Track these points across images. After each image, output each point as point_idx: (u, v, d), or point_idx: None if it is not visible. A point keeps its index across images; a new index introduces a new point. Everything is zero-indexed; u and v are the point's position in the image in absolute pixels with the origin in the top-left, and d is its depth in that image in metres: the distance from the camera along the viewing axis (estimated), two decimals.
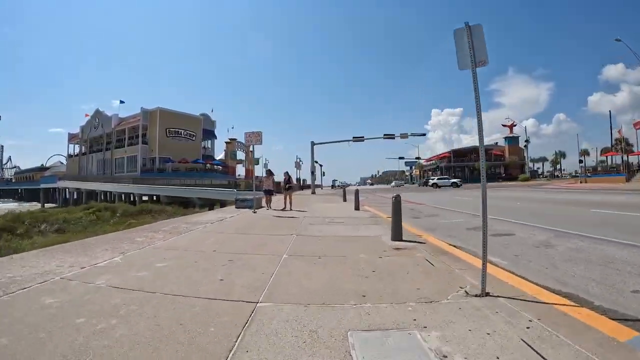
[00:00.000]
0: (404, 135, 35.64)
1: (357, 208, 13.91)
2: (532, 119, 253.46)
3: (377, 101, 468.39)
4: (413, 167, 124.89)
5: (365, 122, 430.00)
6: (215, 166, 59.17)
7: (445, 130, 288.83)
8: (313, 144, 32.87)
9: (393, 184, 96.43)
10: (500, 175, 76.31)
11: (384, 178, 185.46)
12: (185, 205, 36.10)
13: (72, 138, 76.02)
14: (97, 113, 65.26)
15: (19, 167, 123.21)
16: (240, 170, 74.61)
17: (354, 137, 34.38)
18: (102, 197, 50.62)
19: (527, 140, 56.26)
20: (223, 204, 33.59)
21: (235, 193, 29.69)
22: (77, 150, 74.86)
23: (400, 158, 78.66)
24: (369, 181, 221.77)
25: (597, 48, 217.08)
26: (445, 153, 79.61)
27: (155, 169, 51.67)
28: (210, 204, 36.22)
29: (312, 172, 32.15)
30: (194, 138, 56.55)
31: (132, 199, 42.46)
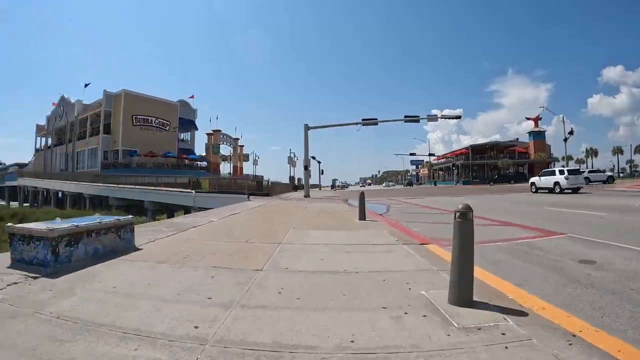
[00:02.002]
0: (432, 118, 26.34)
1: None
2: (531, 121, 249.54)
3: (381, 97, 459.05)
4: (419, 166, 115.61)
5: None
6: (193, 161, 49.79)
7: (444, 131, 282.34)
8: (307, 128, 23.50)
9: (383, 184, 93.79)
10: (524, 176, 66.58)
11: (385, 179, 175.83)
12: (139, 211, 26.98)
13: (39, 130, 67.05)
14: (62, 100, 55.98)
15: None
16: (226, 168, 65.47)
17: (364, 119, 24.98)
18: (60, 197, 41.84)
19: (570, 132, 46.45)
20: (188, 209, 24.51)
21: (193, 197, 20.48)
22: (47, 143, 65.80)
23: (412, 154, 68.64)
24: (368, 181, 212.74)
25: (597, 50, 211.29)
26: (462, 149, 69.93)
27: (117, 163, 42.36)
28: (171, 210, 27.08)
29: (306, 167, 22.73)
30: (167, 128, 47.11)
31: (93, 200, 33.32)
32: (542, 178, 23.36)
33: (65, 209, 36.31)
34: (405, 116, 26.23)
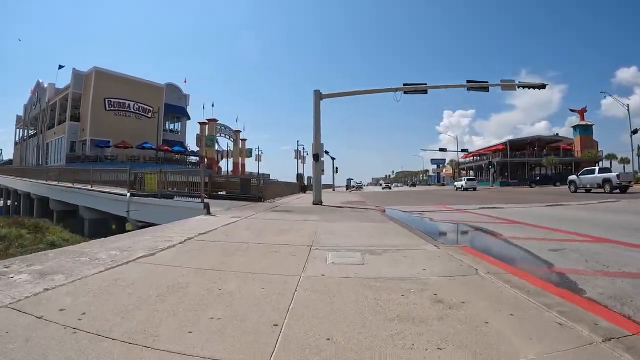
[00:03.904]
0: (507, 84, 17.31)
1: None
2: (544, 122, 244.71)
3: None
4: (440, 165, 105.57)
5: (372, 117, 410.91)
6: (178, 154, 41.57)
7: (457, 132, 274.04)
8: (319, 96, 14.84)
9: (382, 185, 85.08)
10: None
11: (399, 179, 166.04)
12: (76, 221, 19.23)
13: (18, 121, 60.03)
14: (37, 86, 48.53)
15: None
16: (224, 164, 57.18)
17: (405, 84, 16.20)
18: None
19: (634, 131, 36.71)
20: (122, 224, 16.63)
21: (128, 203, 12.10)
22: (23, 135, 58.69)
23: (442, 150, 59.22)
24: (381, 182, 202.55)
25: (610, 51, 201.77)
26: (498, 145, 60.35)
27: (84, 156, 34.42)
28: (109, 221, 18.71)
29: (316, 157, 14.03)
30: (149, 114, 38.90)
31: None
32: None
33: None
34: (469, 81, 17.41)
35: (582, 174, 23.28)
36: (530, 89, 18.64)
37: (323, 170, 14.71)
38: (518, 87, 18.29)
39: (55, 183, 21.90)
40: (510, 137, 66.61)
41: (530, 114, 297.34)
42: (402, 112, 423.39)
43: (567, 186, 24.53)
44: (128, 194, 12.65)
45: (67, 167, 24.69)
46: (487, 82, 17.72)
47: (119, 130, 36.33)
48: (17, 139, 60.96)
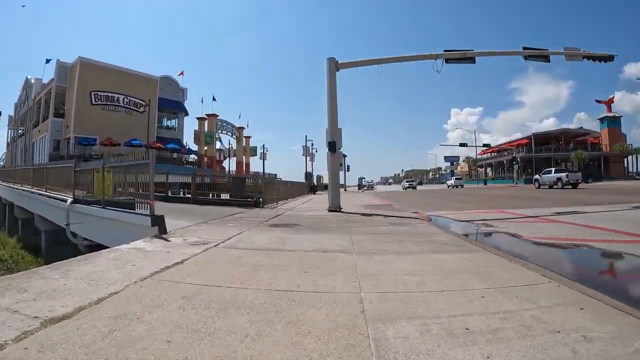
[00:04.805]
0: (572, 53, 13.43)
1: None
2: (552, 119, 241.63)
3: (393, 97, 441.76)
4: (454, 162, 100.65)
5: (377, 115, 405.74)
6: (175, 153, 38.09)
7: (464, 130, 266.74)
8: (335, 65, 11.07)
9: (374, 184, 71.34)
10: (596, 172, 51.63)
11: (409, 177, 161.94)
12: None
13: (10, 121, 57.32)
14: (26, 83, 45.43)
15: None
16: (229, 164, 53.60)
17: (446, 50, 12.41)
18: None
19: None
20: (61, 237, 12.98)
21: (67, 210, 8.27)
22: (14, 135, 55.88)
23: (462, 145, 54.80)
24: (390, 180, 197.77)
25: (618, 46, 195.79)
26: (522, 139, 55.95)
27: (68, 155, 31.05)
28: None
29: (332, 146, 10.20)
30: (141, 109, 35.35)
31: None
32: None
33: None
34: (525, 48, 13.61)
35: (544, 174, 28.64)
36: (597, 60, 14.72)
37: (341, 165, 10.94)
38: (584, 57, 14.41)
39: (19, 186, 18.45)
40: (535, 131, 61.78)
41: (538, 111, 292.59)
42: (408, 110, 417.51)
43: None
44: (69, 200, 8.97)
45: (27, 167, 21.22)
46: (547, 50, 13.82)
47: (107, 127, 32.89)
48: (8, 140, 58.31)
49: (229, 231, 6.03)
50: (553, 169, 28.98)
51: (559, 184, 25.47)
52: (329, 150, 10.29)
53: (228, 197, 13.05)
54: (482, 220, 8.67)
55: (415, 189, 45.35)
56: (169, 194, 13.61)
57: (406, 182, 52.38)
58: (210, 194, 13.02)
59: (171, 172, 13.97)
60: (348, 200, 15.47)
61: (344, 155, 32.36)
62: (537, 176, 30.01)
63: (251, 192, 13.01)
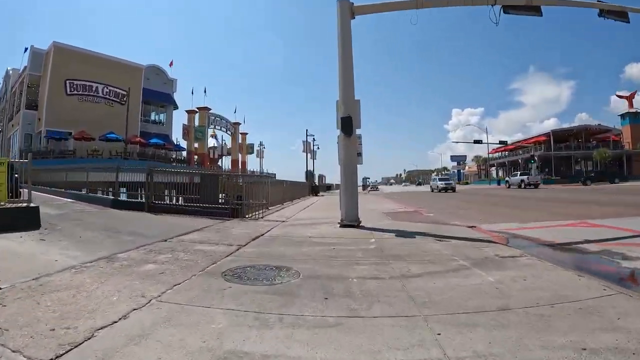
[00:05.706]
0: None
1: None
2: (553, 119, 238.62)
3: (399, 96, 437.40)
4: (461, 162, 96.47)
5: (382, 113, 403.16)
6: (160, 149, 34.46)
7: (466, 130, 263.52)
8: (351, 11, 7.51)
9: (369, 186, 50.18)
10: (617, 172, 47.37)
11: (411, 178, 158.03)
12: None
13: None
14: (6, 75, 41.92)
15: None
16: (226, 163, 49.93)
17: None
18: None
19: None
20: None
21: None
22: None
23: (477, 142, 50.92)
24: (392, 181, 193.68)
25: (620, 46, 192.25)
26: (539, 136, 52.14)
27: (44, 152, 27.61)
28: None
29: (346, 126, 6.56)
30: (124, 100, 31.71)
31: None
32: None
33: None
34: (600, 0, 9.93)
35: (512, 176, 36.89)
36: None
37: (359, 155, 7.29)
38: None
39: None
40: (554, 127, 57.03)
41: (540, 111, 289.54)
42: (408, 110, 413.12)
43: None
44: None
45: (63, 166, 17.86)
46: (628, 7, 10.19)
47: (84, 120, 29.23)
48: None
49: (102, 306, 2.42)
50: (519, 172, 37.96)
51: (522, 184, 31.54)
52: (341, 131, 6.67)
53: (202, 203, 9.44)
54: (585, 240, 5.11)
55: (455, 190, 30.99)
56: (121, 197, 10.03)
57: (440, 180, 33.39)
58: (175, 199, 9.42)
59: (122, 169, 10.37)
60: (359, 205, 11.84)
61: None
62: (507, 178, 39.03)
63: (239, 194, 9.48)
